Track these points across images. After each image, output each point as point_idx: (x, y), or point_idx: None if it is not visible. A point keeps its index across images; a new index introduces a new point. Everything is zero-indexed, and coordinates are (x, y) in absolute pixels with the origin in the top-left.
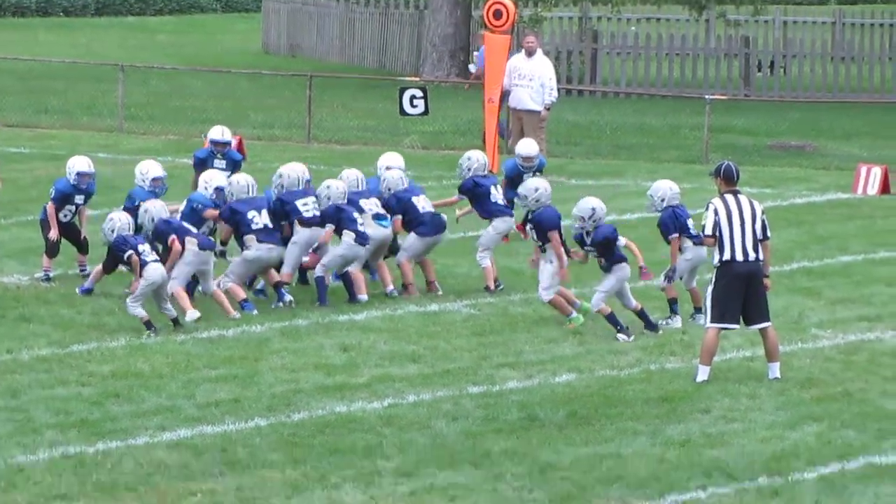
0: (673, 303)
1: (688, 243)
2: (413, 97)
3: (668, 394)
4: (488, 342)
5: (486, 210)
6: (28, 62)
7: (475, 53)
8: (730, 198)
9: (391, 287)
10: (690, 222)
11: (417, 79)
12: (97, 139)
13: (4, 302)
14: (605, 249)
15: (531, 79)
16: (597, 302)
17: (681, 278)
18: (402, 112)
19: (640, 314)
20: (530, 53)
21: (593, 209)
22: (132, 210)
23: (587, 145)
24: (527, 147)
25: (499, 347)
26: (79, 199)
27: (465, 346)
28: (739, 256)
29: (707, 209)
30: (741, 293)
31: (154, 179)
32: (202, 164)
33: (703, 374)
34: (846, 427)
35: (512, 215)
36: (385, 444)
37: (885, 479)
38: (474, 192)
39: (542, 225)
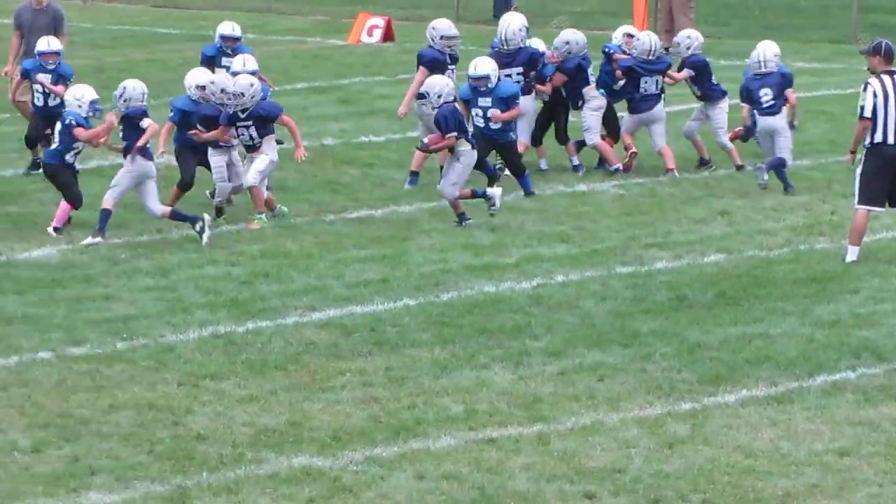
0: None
1: (465, 146)
2: None
3: (818, 274)
4: (637, 222)
5: (711, 90)
6: None
7: None
8: (886, 78)
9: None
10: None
11: None
12: (245, 19)
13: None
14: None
15: None
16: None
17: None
18: None
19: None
20: None
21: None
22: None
23: (736, 25)
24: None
25: (647, 228)
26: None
27: (614, 227)
28: (891, 139)
29: (864, 90)
30: (889, 175)
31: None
32: (210, 62)
33: (852, 254)
34: None
35: (726, 94)
36: (534, 323)
37: None
38: (704, 69)
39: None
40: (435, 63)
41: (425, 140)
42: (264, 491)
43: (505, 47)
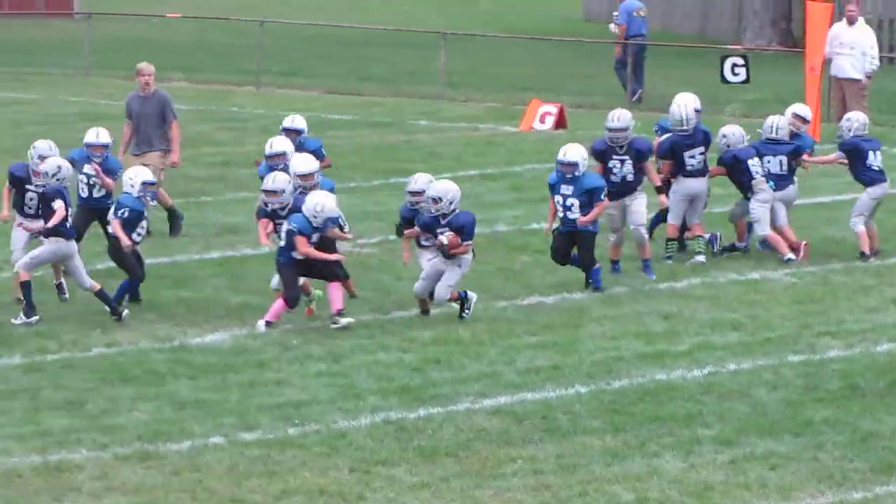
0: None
1: (469, 254)
2: (734, 65)
3: None
4: (809, 311)
5: (863, 174)
6: (350, 29)
7: (614, 14)
8: None
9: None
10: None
11: (739, 46)
12: (419, 106)
13: None
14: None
15: (852, 47)
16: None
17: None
18: (724, 80)
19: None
20: (851, 22)
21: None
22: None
23: None
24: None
25: (819, 316)
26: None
27: (786, 315)
28: None
29: None
30: None
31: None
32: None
33: None
34: None
35: (886, 181)
36: (705, 412)
37: None
38: (855, 153)
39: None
40: (599, 153)
41: (444, 241)
42: None
43: (685, 127)
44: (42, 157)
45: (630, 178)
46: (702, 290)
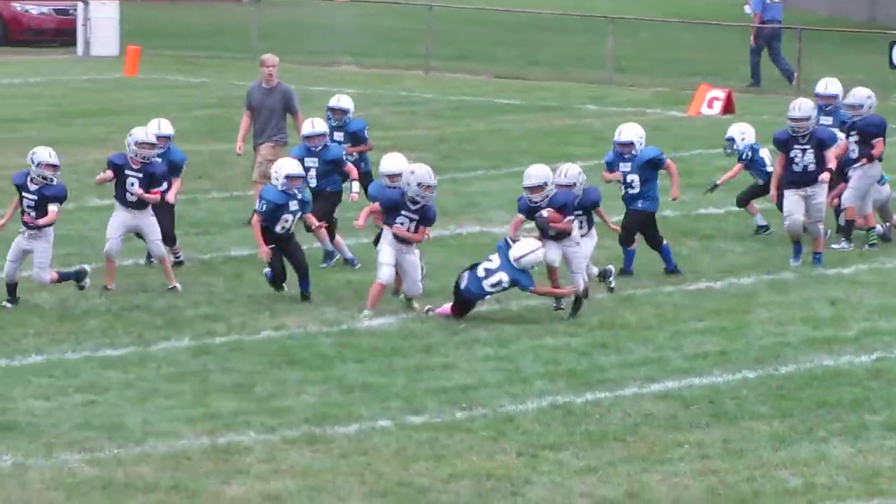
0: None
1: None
2: None
3: None
4: None
5: None
6: (518, 13)
7: None
8: None
9: None
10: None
11: None
12: (586, 91)
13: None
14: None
15: None
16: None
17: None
18: (892, 66)
19: None
20: None
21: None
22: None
23: None
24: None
25: None
26: (293, 206)
27: None
28: None
29: None
30: None
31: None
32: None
33: None
34: None
35: None
36: (872, 397)
37: None
38: None
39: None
40: (781, 143)
41: (545, 215)
42: None
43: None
44: (138, 143)
45: (812, 167)
46: (869, 276)
